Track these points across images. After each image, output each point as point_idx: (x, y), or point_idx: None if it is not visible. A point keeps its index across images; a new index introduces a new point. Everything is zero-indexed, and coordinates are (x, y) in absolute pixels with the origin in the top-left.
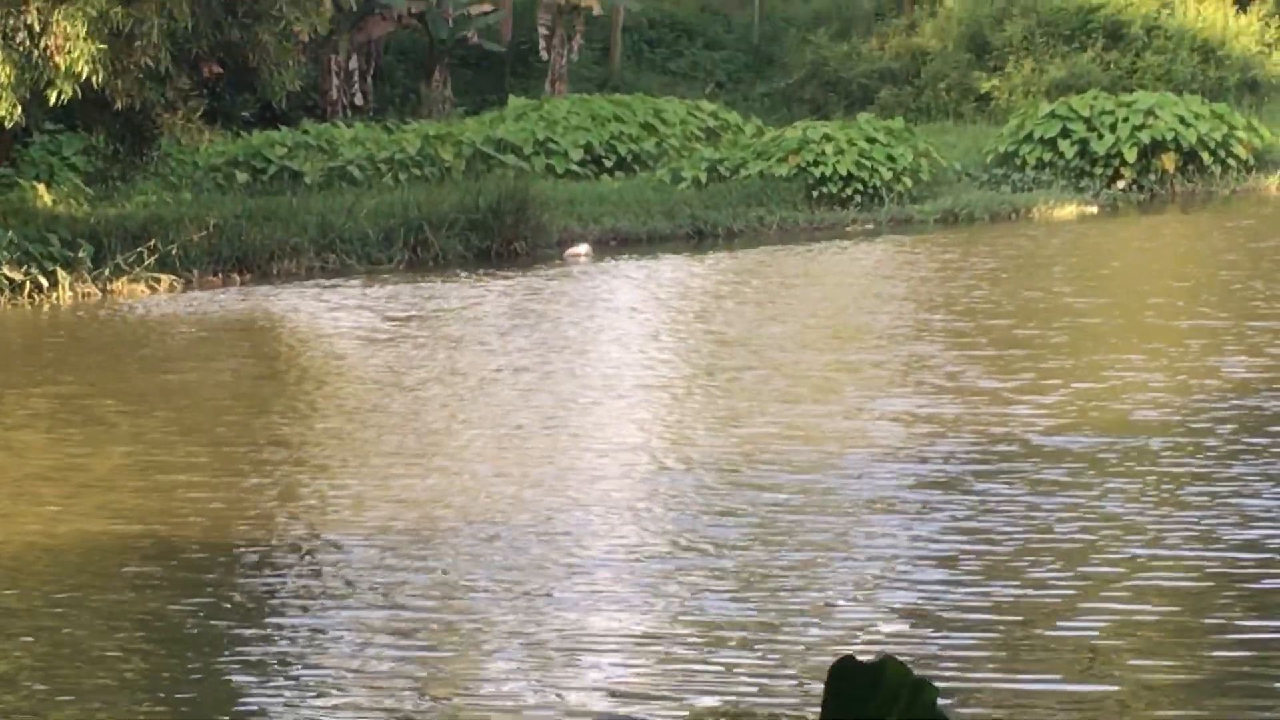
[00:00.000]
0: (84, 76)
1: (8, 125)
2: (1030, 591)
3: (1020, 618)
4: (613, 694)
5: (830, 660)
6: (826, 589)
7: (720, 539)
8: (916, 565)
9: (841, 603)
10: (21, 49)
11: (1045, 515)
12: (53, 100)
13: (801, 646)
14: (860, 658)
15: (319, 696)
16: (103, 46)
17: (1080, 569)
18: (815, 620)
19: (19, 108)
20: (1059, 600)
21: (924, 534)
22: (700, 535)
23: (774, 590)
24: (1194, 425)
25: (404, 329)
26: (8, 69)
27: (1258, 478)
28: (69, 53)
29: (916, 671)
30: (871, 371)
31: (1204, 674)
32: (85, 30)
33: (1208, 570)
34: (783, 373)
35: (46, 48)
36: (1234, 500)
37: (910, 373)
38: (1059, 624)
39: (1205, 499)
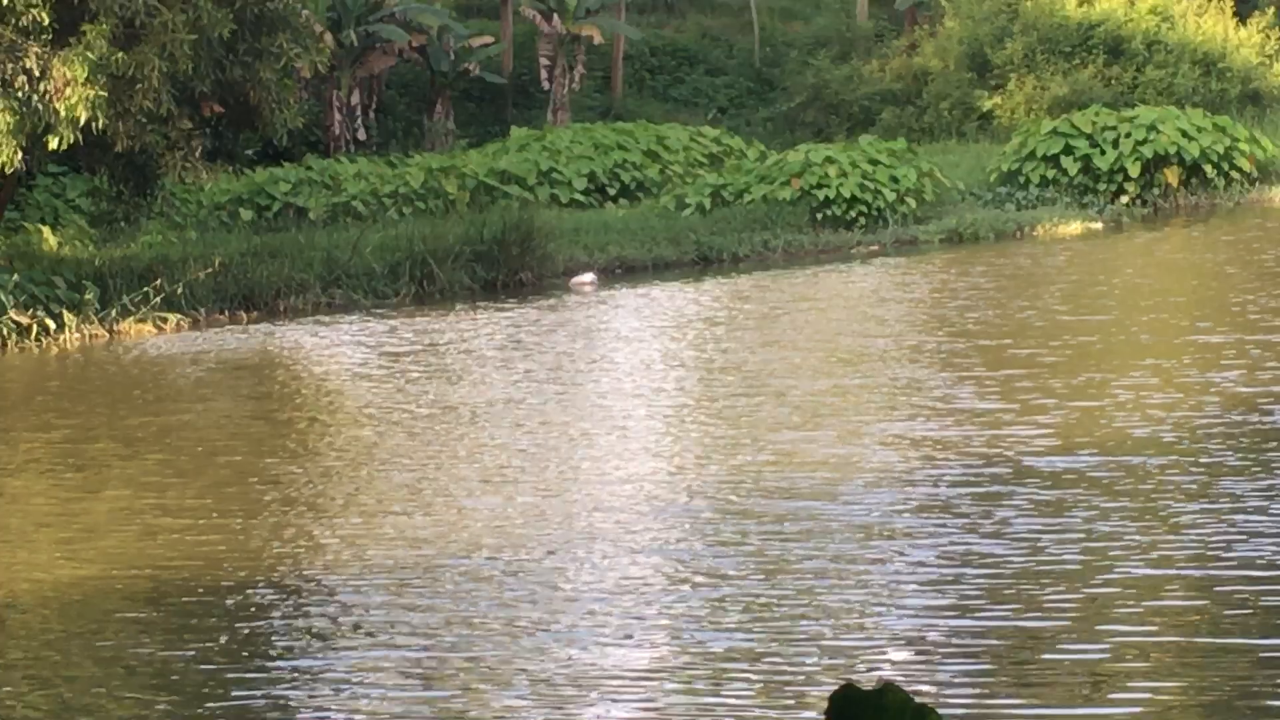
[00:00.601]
0: (83, 122)
1: (7, 171)
2: (1032, 615)
3: (1023, 642)
4: None
5: (831, 688)
6: (825, 617)
7: (717, 569)
8: (916, 591)
9: (841, 630)
10: (21, 95)
11: (1045, 537)
12: (53, 146)
13: (802, 676)
14: (861, 685)
15: None
16: (102, 93)
17: (1082, 590)
18: (815, 649)
19: (19, 153)
20: (1062, 623)
21: (923, 559)
22: (698, 566)
23: (773, 620)
24: (1193, 443)
25: (404, 364)
26: (7, 116)
27: (1258, 494)
28: (68, 98)
29: (918, 698)
30: (867, 396)
31: (1212, 694)
32: (85, 75)
33: (1213, 589)
34: (778, 399)
35: (46, 93)
36: (1235, 517)
37: (906, 396)
38: (1062, 647)
39: (1206, 517)
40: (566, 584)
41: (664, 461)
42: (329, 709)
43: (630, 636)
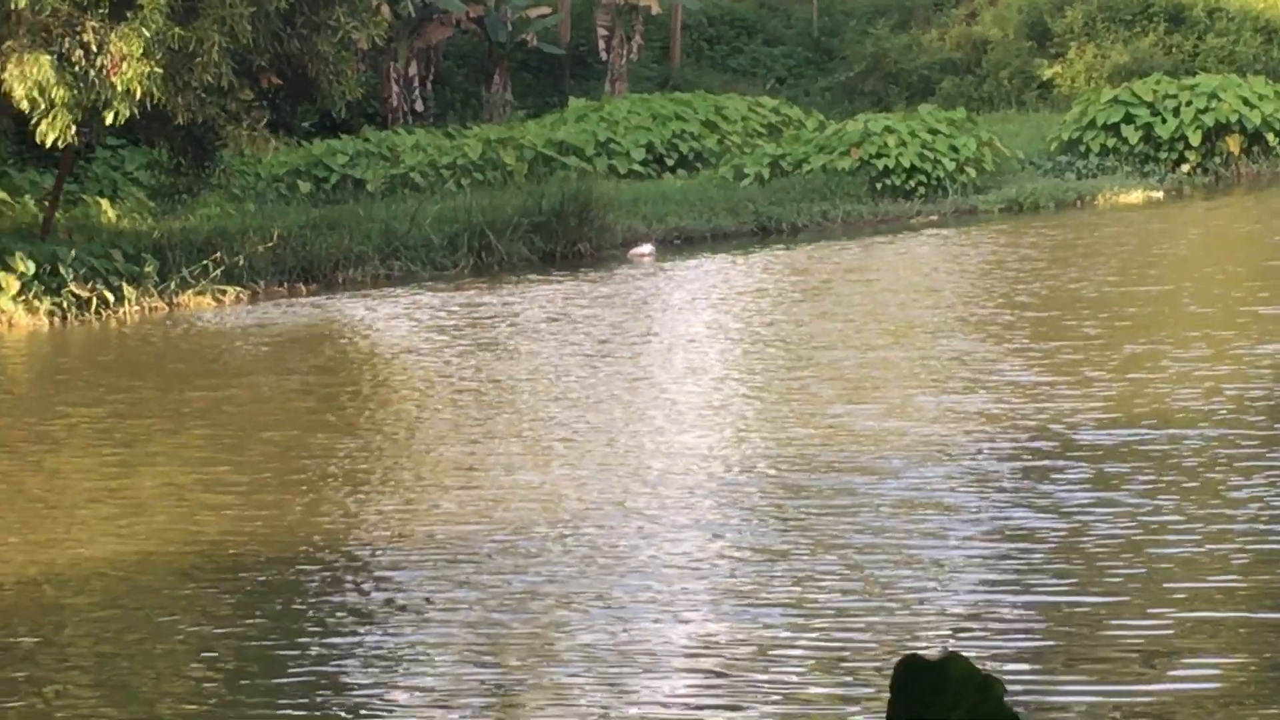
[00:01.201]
0: (139, 97)
1: (63, 145)
2: (1086, 591)
3: (1077, 618)
4: (671, 704)
5: (881, 665)
6: (874, 594)
7: (765, 544)
8: (966, 566)
9: (890, 607)
10: (78, 69)
11: (1095, 511)
12: (109, 121)
13: (849, 652)
14: (926, 656)
15: (389, 716)
16: (158, 70)
17: (1137, 566)
18: (864, 625)
19: (73, 128)
20: (1117, 600)
21: (971, 534)
22: (745, 541)
23: (822, 596)
24: (1245, 415)
25: (457, 337)
26: (62, 90)
27: None
28: (124, 73)
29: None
30: (915, 368)
31: (1276, 671)
32: (140, 51)
33: (1271, 564)
34: (826, 372)
35: (103, 67)
36: None
37: (955, 368)
38: (1118, 624)
39: (1261, 490)
40: (614, 558)
41: (710, 435)
42: (382, 686)
43: (680, 612)
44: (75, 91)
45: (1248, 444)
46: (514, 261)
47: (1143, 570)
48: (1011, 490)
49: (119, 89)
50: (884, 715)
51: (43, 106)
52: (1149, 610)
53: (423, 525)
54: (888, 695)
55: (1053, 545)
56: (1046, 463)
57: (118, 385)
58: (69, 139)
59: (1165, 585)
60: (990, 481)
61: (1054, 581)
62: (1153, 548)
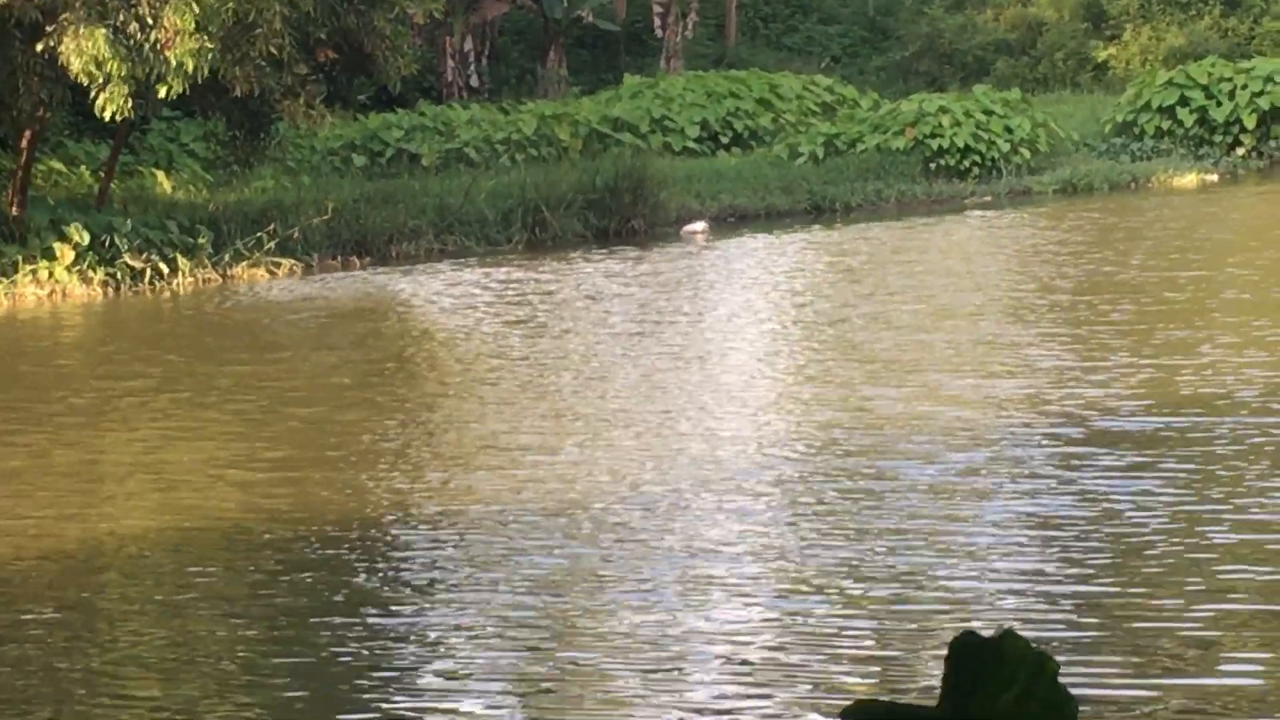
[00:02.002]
0: (191, 71)
1: (118, 118)
2: (1121, 580)
3: (1114, 606)
4: (700, 689)
5: (911, 655)
6: (907, 582)
7: (796, 530)
8: (999, 554)
9: (923, 595)
10: (133, 42)
11: (1127, 499)
12: (163, 95)
13: (872, 640)
14: (980, 633)
15: (417, 697)
16: (209, 45)
17: (1172, 556)
18: (895, 614)
19: (129, 101)
20: (1153, 589)
21: (1002, 519)
22: (776, 527)
23: (855, 584)
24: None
25: (507, 313)
26: (118, 63)
27: None
28: (178, 48)
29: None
30: (952, 352)
31: None
32: (193, 25)
33: None
34: (862, 354)
35: (157, 41)
36: None
37: (991, 353)
38: (1156, 613)
39: None
40: (642, 541)
41: (740, 417)
42: (409, 668)
43: (710, 596)
44: (131, 65)
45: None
46: (568, 238)
47: (1177, 561)
48: (1044, 477)
49: (173, 63)
50: (913, 700)
51: (100, 79)
52: (1185, 602)
53: (453, 505)
54: (916, 683)
55: (1085, 533)
56: (1077, 449)
57: (160, 359)
58: (125, 112)
59: (1201, 576)
60: (1022, 468)
61: (1087, 571)
62: (1187, 537)
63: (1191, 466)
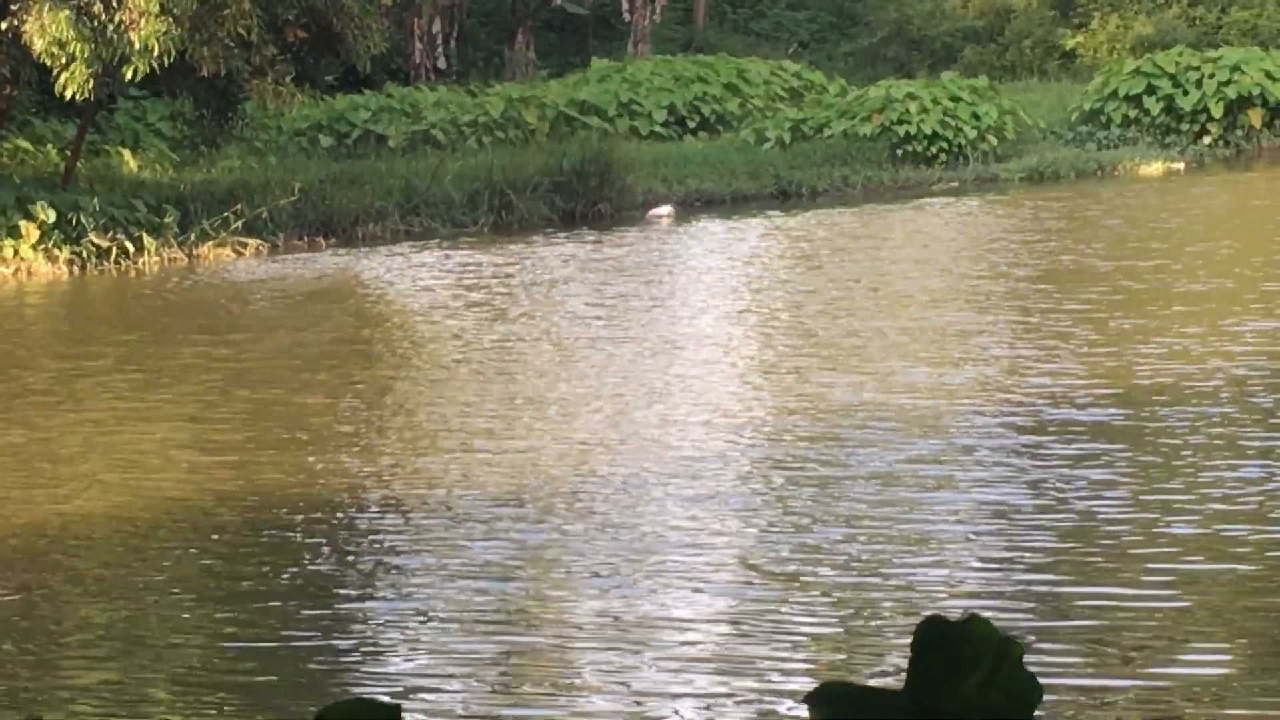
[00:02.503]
0: (156, 53)
1: (79, 98)
2: (1071, 573)
3: (1063, 600)
4: (668, 673)
5: (860, 647)
6: (860, 571)
7: (747, 520)
8: (952, 545)
9: (874, 585)
10: (97, 23)
11: (1079, 490)
12: (129, 77)
13: (816, 633)
14: (947, 617)
15: (393, 680)
16: (176, 30)
17: (1127, 550)
18: (845, 603)
19: (91, 81)
20: (1109, 582)
21: (956, 509)
22: (724, 516)
23: (806, 575)
24: (1239, 394)
25: (469, 295)
26: (81, 44)
27: None
28: (142, 29)
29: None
30: (904, 338)
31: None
32: (158, 7)
33: (1262, 550)
34: (813, 341)
35: (121, 23)
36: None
37: (943, 340)
38: (1110, 607)
39: (1254, 471)
40: (599, 527)
41: (695, 405)
42: (370, 648)
43: (668, 584)
44: (94, 46)
45: (1240, 423)
46: (534, 220)
47: (1135, 552)
48: (999, 467)
49: (137, 45)
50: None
51: (62, 60)
52: (1144, 592)
53: (404, 488)
54: (875, 669)
55: (1041, 524)
56: (1033, 438)
57: (118, 339)
58: (88, 93)
59: (1160, 568)
60: (976, 457)
61: (1045, 561)
62: (1146, 528)
63: (1149, 457)
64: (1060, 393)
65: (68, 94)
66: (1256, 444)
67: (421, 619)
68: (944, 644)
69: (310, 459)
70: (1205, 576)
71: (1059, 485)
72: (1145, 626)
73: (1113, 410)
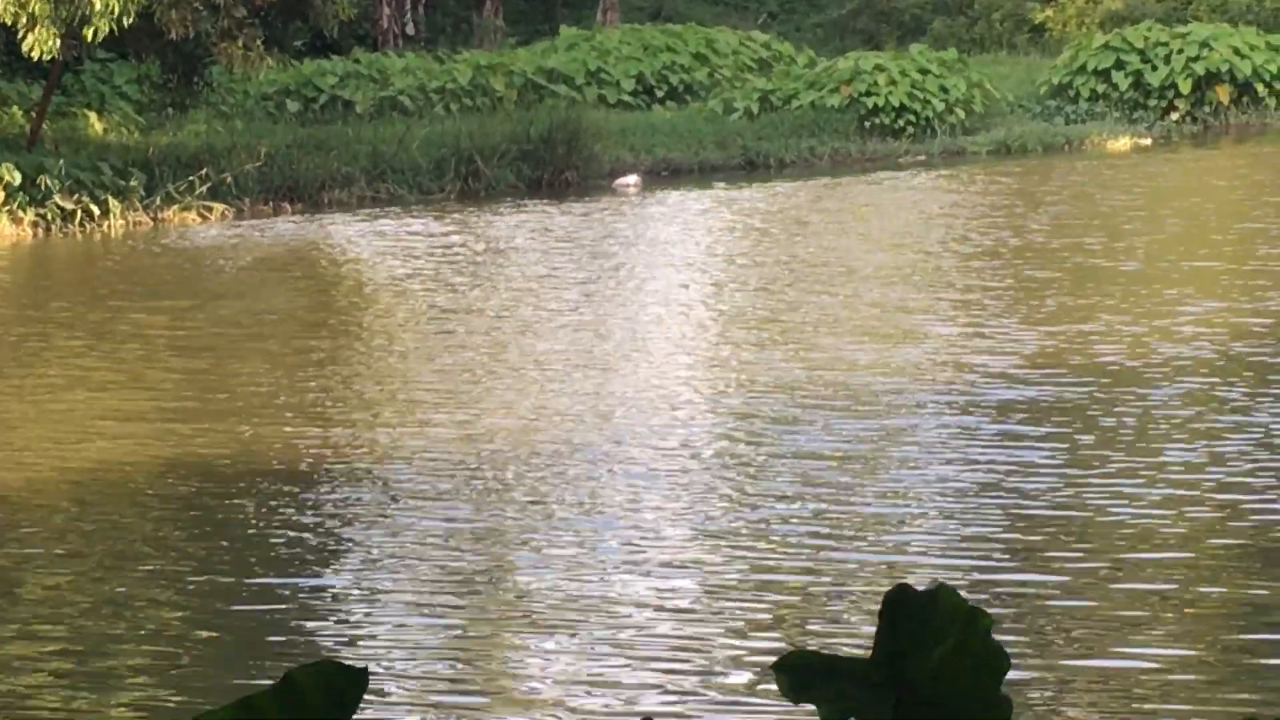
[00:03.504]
0: (116, 14)
1: (44, 59)
2: (1018, 560)
3: (1016, 585)
4: (637, 644)
5: (814, 621)
6: (803, 551)
7: (697, 495)
8: (889, 528)
9: (821, 566)
10: None
11: (1022, 470)
12: (90, 38)
13: (764, 618)
14: (914, 587)
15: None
16: None
17: (1075, 537)
18: (789, 581)
19: (57, 41)
20: (1054, 573)
21: (900, 489)
22: (679, 491)
23: (758, 557)
24: (1180, 374)
25: (433, 262)
26: (42, 4)
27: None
28: None
29: None
30: (843, 314)
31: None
32: None
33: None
34: (747, 316)
35: None
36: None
37: (879, 316)
38: (1049, 594)
39: (1182, 452)
40: (545, 503)
41: (635, 380)
42: (312, 624)
43: (618, 560)
44: (54, 6)
45: (1175, 404)
46: (500, 188)
47: (1076, 538)
48: (936, 447)
49: (98, 6)
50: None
51: (24, 20)
52: (1086, 580)
53: (347, 459)
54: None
55: (982, 508)
56: (971, 418)
57: (69, 303)
58: (53, 53)
59: (1101, 554)
60: (916, 437)
61: (986, 547)
62: (1086, 513)
63: (1089, 439)
64: (1003, 371)
65: (34, 55)
66: (1206, 425)
67: (366, 591)
68: (912, 613)
69: (255, 428)
70: (1147, 564)
71: (998, 467)
72: (1087, 615)
73: (1052, 389)
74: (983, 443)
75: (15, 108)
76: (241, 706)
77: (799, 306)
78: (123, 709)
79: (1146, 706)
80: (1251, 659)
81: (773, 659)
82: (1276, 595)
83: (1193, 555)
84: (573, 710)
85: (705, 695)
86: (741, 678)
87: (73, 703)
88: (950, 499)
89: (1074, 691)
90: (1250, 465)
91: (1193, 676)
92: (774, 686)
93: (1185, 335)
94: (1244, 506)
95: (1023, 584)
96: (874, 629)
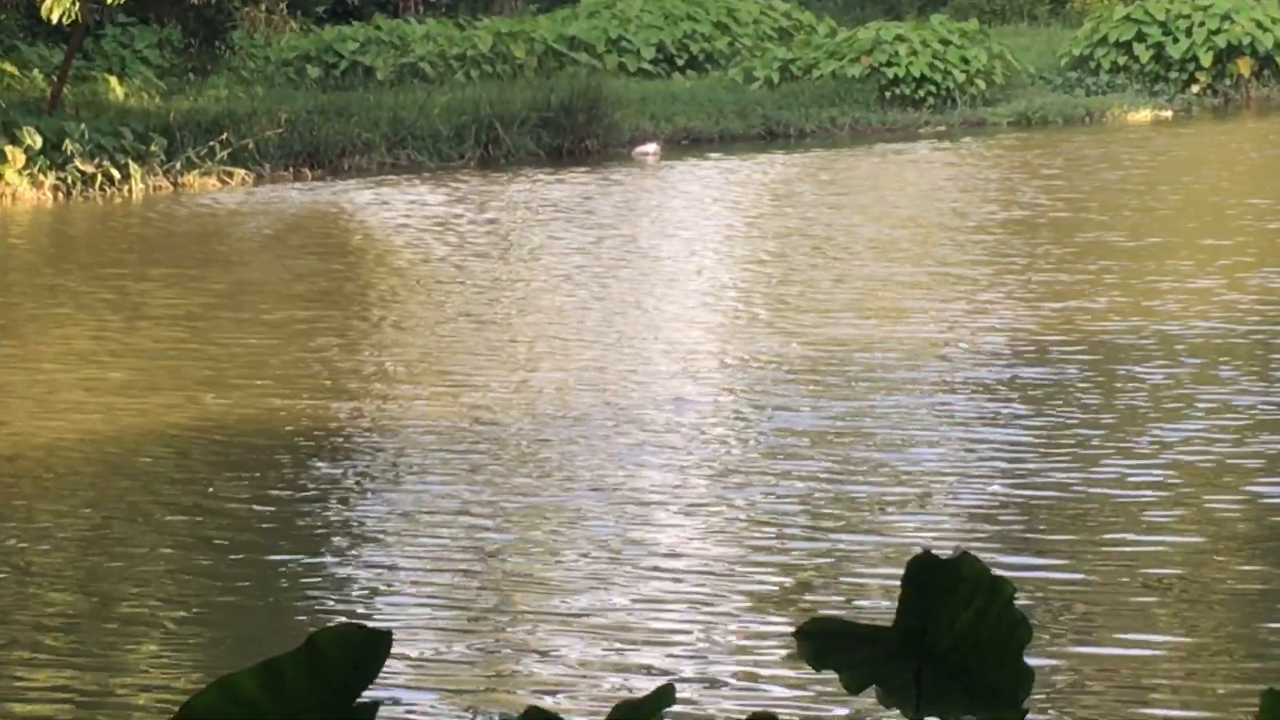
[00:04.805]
0: None
1: (66, 22)
2: (1013, 543)
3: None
4: (642, 604)
5: (869, 572)
6: (800, 536)
7: (686, 481)
8: (872, 508)
9: (819, 551)
10: None
11: (1026, 449)
12: (110, 1)
13: (762, 607)
14: (939, 554)
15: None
16: None
17: (1073, 518)
18: (793, 566)
19: (77, 5)
20: (1048, 556)
21: (908, 470)
22: (664, 469)
23: (756, 538)
24: (1183, 353)
25: (449, 230)
26: None
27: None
28: None
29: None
30: (840, 288)
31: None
32: None
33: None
34: (739, 291)
35: None
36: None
37: (867, 292)
38: (1048, 577)
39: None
40: (551, 478)
41: (632, 356)
42: (297, 602)
43: (633, 536)
44: None
45: (1176, 383)
46: (520, 155)
47: (1059, 523)
48: (919, 428)
49: None
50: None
51: None
52: (1065, 561)
53: (354, 430)
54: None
55: (975, 488)
56: (970, 394)
57: (78, 269)
58: (74, 16)
59: (1083, 543)
60: (896, 418)
61: (978, 528)
62: (1069, 500)
63: (1085, 417)
64: (1000, 348)
65: (53, 18)
66: (1183, 408)
67: (362, 568)
68: (935, 581)
69: (270, 398)
70: (1146, 546)
71: (1003, 443)
72: (1083, 595)
73: (1049, 367)
74: (979, 421)
75: (36, 71)
76: (266, 669)
77: (803, 280)
78: (86, 690)
79: (1153, 696)
80: (1256, 645)
81: (768, 640)
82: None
83: (1194, 539)
84: (573, 689)
85: (706, 673)
86: (740, 658)
87: (56, 680)
88: (946, 479)
89: (1076, 676)
90: (1254, 446)
91: (1195, 665)
92: (769, 669)
93: (1187, 313)
94: (1248, 489)
95: (1019, 566)
96: (870, 607)
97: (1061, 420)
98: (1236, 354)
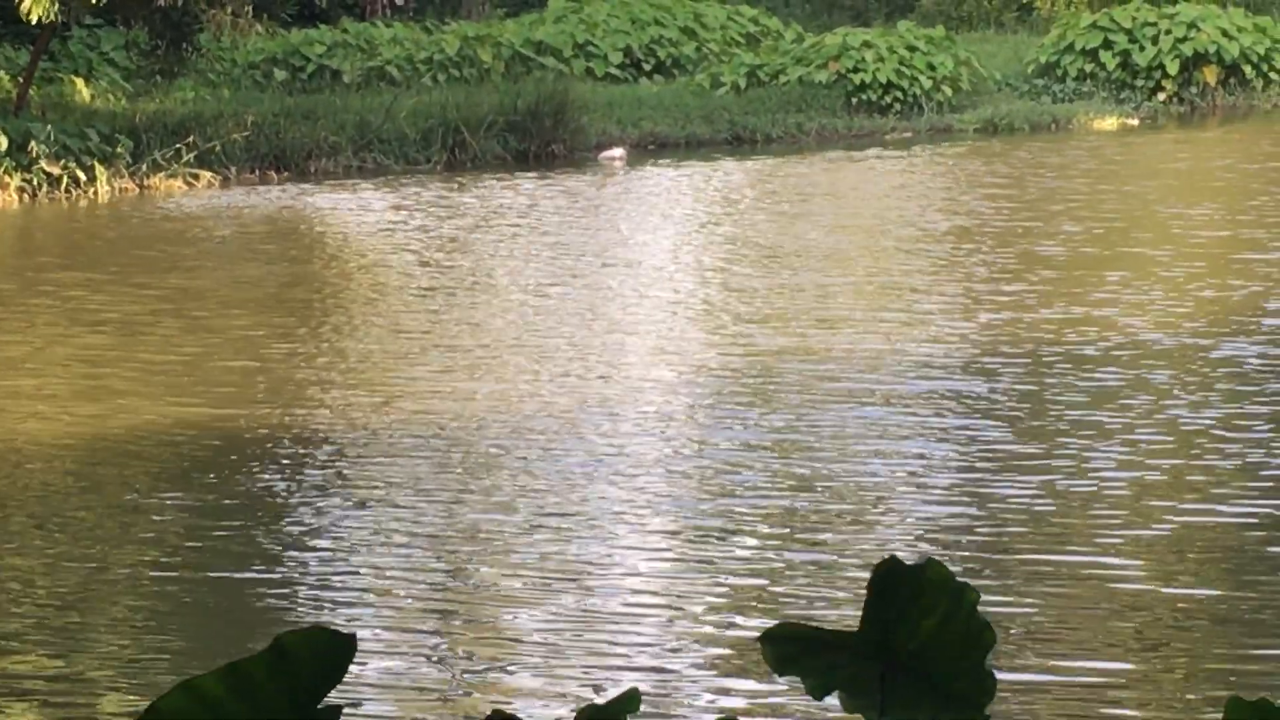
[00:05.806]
0: None
1: (44, 21)
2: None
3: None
4: (618, 615)
5: (838, 578)
6: (772, 540)
7: (655, 486)
8: (829, 523)
9: (794, 547)
10: None
11: (982, 461)
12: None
13: (725, 615)
14: (904, 560)
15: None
16: None
17: (1002, 539)
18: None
19: (56, 5)
20: (987, 572)
21: (876, 475)
22: (630, 474)
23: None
24: (1138, 362)
25: (410, 234)
26: None
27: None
28: None
29: None
30: (803, 298)
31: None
32: None
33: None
34: (685, 300)
35: None
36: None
37: (816, 300)
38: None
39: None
40: (514, 479)
41: (596, 365)
42: (264, 607)
43: (596, 534)
44: None
45: (1143, 392)
46: (487, 159)
47: (1008, 542)
48: (856, 438)
49: None
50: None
51: None
52: (1017, 584)
53: (282, 444)
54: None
55: (932, 498)
56: (921, 405)
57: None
58: (53, 16)
59: (1038, 561)
60: (837, 429)
61: (945, 538)
62: (1020, 519)
63: (1049, 428)
64: (946, 354)
65: (33, 18)
66: (1170, 415)
67: (337, 570)
68: (902, 585)
69: (221, 405)
70: (1078, 573)
71: (951, 457)
72: (1033, 615)
73: (989, 381)
74: (929, 434)
75: (2, 72)
76: (231, 672)
77: (753, 290)
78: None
79: (1114, 713)
80: (1215, 661)
81: (730, 647)
82: (1245, 590)
83: (1149, 555)
84: (533, 696)
85: (681, 674)
86: (714, 659)
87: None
88: (914, 491)
89: (1029, 696)
90: (1220, 456)
91: (1153, 682)
92: (731, 678)
93: (1131, 324)
94: (1203, 505)
95: (970, 580)
96: (840, 615)
97: (1010, 433)
98: (1189, 366)
